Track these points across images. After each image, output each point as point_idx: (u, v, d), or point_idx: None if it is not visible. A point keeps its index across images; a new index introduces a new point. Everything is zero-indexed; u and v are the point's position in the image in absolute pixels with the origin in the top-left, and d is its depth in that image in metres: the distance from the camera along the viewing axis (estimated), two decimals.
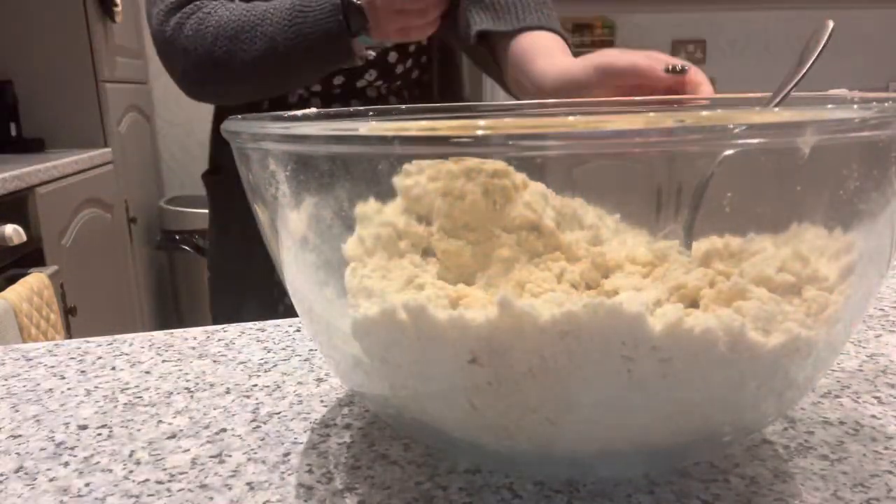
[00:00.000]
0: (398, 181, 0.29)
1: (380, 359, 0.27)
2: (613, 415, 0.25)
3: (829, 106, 0.22)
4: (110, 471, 0.32)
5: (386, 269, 0.29)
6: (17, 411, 0.38)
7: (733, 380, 0.24)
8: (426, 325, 0.25)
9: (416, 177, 0.30)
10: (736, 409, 0.26)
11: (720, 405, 0.25)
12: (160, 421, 0.37)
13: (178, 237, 2.42)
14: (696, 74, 0.58)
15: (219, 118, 0.88)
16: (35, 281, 1.52)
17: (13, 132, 2.10)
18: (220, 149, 0.90)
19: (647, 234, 0.31)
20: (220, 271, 0.92)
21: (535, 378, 0.24)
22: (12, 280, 1.50)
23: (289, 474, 0.31)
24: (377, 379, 0.28)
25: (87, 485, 0.31)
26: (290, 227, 0.28)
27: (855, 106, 0.22)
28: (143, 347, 0.47)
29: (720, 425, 0.26)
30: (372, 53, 0.77)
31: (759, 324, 0.24)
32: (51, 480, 0.31)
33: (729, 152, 0.23)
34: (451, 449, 0.30)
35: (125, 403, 0.39)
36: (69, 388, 0.41)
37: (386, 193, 0.30)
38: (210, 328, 0.50)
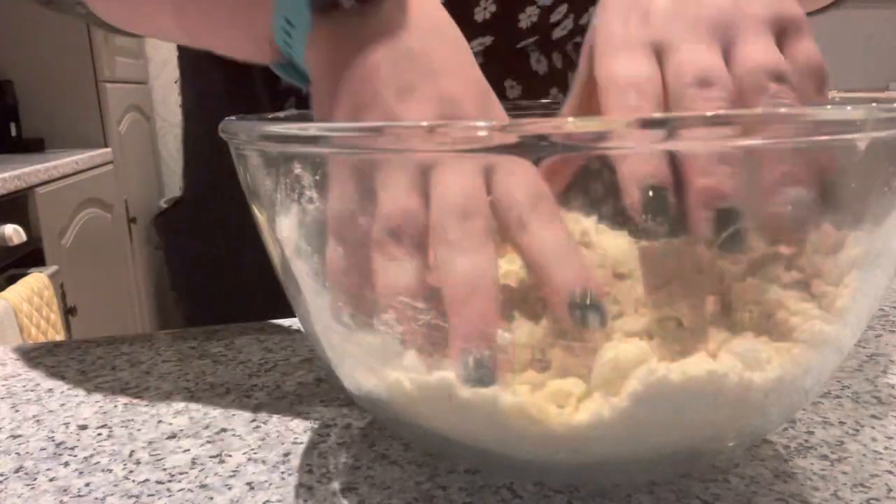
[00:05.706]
0: None
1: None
2: (616, 427, 0.25)
3: (829, 106, 0.22)
4: (110, 471, 0.32)
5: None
6: (17, 411, 0.38)
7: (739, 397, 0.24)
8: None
9: None
10: (742, 418, 0.26)
11: (727, 416, 0.25)
12: (160, 421, 0.37)
13: None
14: None
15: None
16: (35, 281, 1.52)
17: (13, 132, 2.10)
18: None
19: (628, 236, 0.31)
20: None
21: None
22: (12, 280, 1.50)
23: (289, 474, 0.31)
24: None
25: (87, 485, 0.31)
26: (288, 229, 0.28)
27: (861, 105, 0.22)
28: (143, 347, 0.47)
29: (725, 432, 0.26)
30: None
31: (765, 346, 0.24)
32: (51, 480, 0.31)
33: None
34: (449, 453, 0.30)
35: (125, 403, 0.39)
36: (69, 388, 0.41)
37: None
38: (210, 328, 0.50)
